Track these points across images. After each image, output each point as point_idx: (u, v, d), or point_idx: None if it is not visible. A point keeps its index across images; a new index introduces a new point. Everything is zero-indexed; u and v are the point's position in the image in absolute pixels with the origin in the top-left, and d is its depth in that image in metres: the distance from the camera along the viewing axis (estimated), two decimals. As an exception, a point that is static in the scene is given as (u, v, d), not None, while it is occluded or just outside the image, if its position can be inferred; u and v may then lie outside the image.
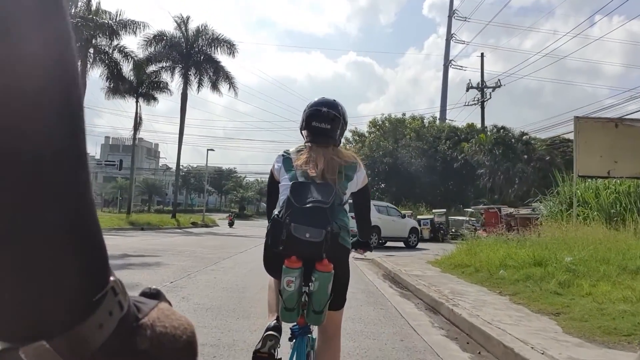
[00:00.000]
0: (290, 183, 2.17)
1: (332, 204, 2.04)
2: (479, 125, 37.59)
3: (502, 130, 31.67)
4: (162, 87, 36.40)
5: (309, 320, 2.11)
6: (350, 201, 2.47)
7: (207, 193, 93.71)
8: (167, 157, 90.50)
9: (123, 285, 0.39)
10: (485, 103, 39.02)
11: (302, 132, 2.43)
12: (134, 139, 34.83)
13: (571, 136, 12.84)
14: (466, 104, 40.47)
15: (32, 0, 0.32)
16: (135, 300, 0.41)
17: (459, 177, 33.67)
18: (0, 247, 0.31)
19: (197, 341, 0.43)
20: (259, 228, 42.05)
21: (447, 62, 54.03)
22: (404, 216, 20.54)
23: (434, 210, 27.95)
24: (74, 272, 0.35)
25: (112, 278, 0.38)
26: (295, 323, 2.18)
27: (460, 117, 56.98)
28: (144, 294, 0.45)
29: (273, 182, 2.44)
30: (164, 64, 35.94)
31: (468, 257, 10.23)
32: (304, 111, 2.42)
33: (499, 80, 38.08)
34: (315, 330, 2.33)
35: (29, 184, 0.31)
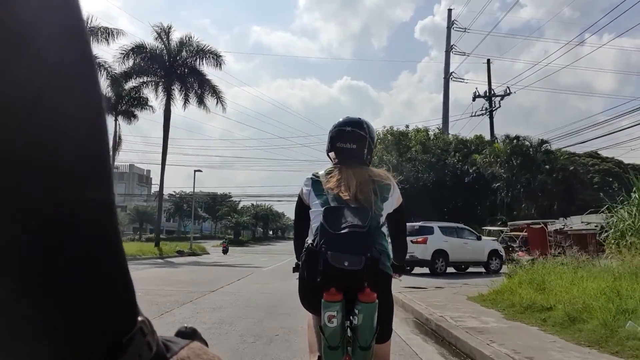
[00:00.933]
0: (323, 209, 2.04)
1: (370, 227, 1.92)
2: (487, 137, 34.58)
3: (516, 140, 28.66)
4: (143, 104, 33.60)
5: (356, 358, 1.91)
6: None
7: (195, 218, 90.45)
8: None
9: (151, 324, 0.37)
10: (494, 113, 36.15)
11: (329, 154, 2.37)
12: (113, 159, 31.56)
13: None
14: (473, 114, 37.61)
15: (69, 68, 0.31)
16: (165, 340, 0.40)
17: (471, 193, 30.48)
18: (27, 290, 0.29)
19: None
20: (253, 255, 38.95)
21: (447, 75, 51.40)
22: (479, 237, 17.28)
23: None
24: (102, 312, 0.33)
25: (140, 318, 0.36)
26: None
27: (464, 131, 53.95)
28: (179, 333, 0.43)
29: (302, 207, 2.31)
30: (145, 78, 33.10)
31: (536, 292, 6.95)
32: (329, 132, 2.33)
33: (507, 88, 35.26)
34: None
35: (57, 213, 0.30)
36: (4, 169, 0.28)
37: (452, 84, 45.11)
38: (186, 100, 34.33)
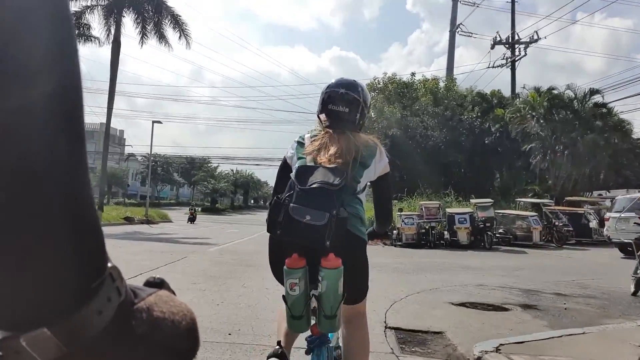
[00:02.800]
0: (298, 166, 1.99)
1: (342, 188, 1.79)
2: (507, 94, 28.43)
3: (552, 92, 22.62)
4: (85, 34, 26.80)
5: (322, 328, 1.81)
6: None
7: (170, 183, 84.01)
8: (136, 143, 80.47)
9: (120, 272, 0.39)
10: (516, 63, 29.96)
11: (319, 116, 2.19)
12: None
13: None
14: (491, 65, 31.36)
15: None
16: (134, 287, 0.41)
17: (492, 156, 24.60)
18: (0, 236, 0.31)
19: (198, 328, 0.43)
20: (222, 225, 32.94)
21: (454, 28, 44.67)
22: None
23: (474, 201, 18.77)
24: (73, 259, 0.35)
25: (109, 264, 0.38)
26: (309, 333, 1.90)
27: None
28: (148, 283, 0.44)
29: (284, 169, 2.20)
30: (90, 1, 26.37)
31: None
32: (321, 93, 2.18)
33: (535, 32, 28.94)
34: (334, 339, 2.19)
35: (26, 172, 0.31)
36: None
37: (462, 36, 38.60)
38: (143, 35, 27.73)
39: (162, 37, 27.85)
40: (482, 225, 16.94)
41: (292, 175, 1.88)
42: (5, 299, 0.33)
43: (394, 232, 18.35)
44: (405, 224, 17.47)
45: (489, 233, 16.67)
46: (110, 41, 26.74)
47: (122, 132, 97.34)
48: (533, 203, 19.78)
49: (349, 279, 1.77)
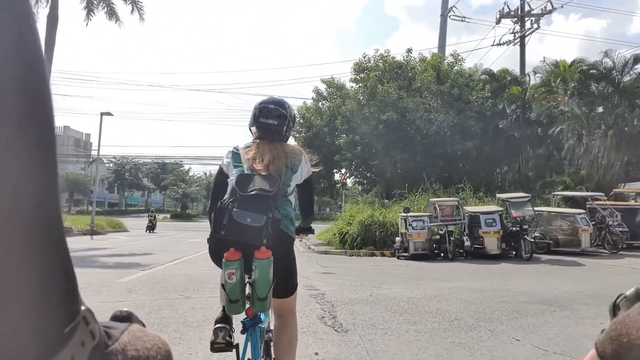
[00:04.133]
0: (237, 174, 2.25)
1: (276, 193, 2.14)
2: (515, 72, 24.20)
3: (583, 62, 18.45)
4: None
5: (255, 309, 2.12)
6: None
7: (139, 189, 78.24)
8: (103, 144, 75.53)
9: (93, 314, 0.38)
10: (526, 38, 25.84)
11: (251, 128, 2.53)
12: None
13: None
14: (496, 42, 27.19)
15: None
16: (105, 326, 0.40)
17: (507, 143, 20.31)
18: None
19: (173, 358, 0.43)
20: (184, 233, 28.20)
21: (445, 11, 40.50)
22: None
23: (503, 196, 14.30)
24: (45, 303, 0.33)
25: (82, 307, 0.37)
26: (244, 316, 2.21)
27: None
28: (115, 317, 0.44)
29: (221, 176, 2.46)
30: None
31: None
32: (253, 108, 2.50)
33: (549, 2, 24.86)
34: (265, 322, 2.44)
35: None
36: None
37: (454, 20, 34.41)
38: (90, 10, 22.91)
39: (112, 15, 23.10)
40: (516, 228, 12.58)
41: (233, 182, 2.21)
42: None
43: (397, 239, 13.92)
44: (413, 228, 12.96)
45: (527, 238, 12.25)
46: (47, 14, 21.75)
47: (88, 135, 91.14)
48: (572, 198, 15.44)
49: (280, 272, 2.10)
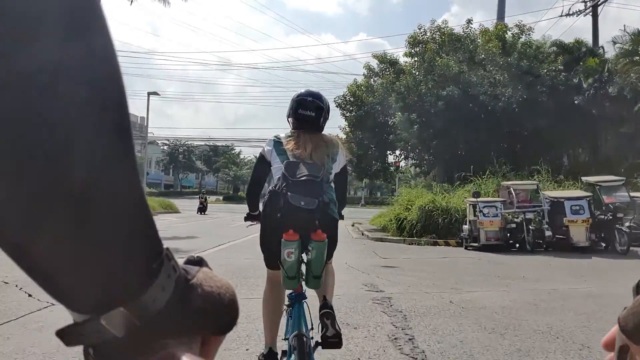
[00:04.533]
0: (284, 162, 2.43)
1: (322, 179, 2.33)
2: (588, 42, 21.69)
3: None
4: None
5: (310, 285, 2.37)
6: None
7: (193, 172, 79.27)
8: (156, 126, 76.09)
9: (171, 251, 0.43)
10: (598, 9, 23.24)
11: (289, 119, 2.73)
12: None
13: None
14: (565, 13, 24.69)
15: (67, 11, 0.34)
16: (182, 266, 0.46)
17: (584, 121, 18.16)
18: (80, 230, 0.35)
19: (237, 299, 0.48)
20: (235, 215, 27.65)
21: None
22: None
23: (592, 179, 12.50)
24: (139, 246, 0.39)
25: (164, 246, 0.43)
26: (292, 291, 2.48)
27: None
28: (189, 261, 0.49)
29: (263, 163, 2.62)
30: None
31: None
32: (291, 100, 2.70)
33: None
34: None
35: (94, 172, 0.35)
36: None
37: None
38: None
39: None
40: (608, 217, 10.85)
41: (282, 169, 2.37)
42: (88, 286, 0.37)
43: (464, 227, 12.48)
44: (484, 215, 11.45)
45: (622, 228, 10.51)
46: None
47: (142, 118, 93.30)
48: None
49: (328, 249, 2.33)
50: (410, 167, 28.87)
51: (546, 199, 11.76)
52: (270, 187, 2.39)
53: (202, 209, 30.05)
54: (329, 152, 2.57)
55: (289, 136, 2.60)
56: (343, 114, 22.91)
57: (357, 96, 21.85)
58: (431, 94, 18.88)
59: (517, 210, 11.55)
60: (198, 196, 31.99)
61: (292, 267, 2.26)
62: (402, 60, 23.35)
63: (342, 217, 2.75)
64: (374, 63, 23.52)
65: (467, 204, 12.60)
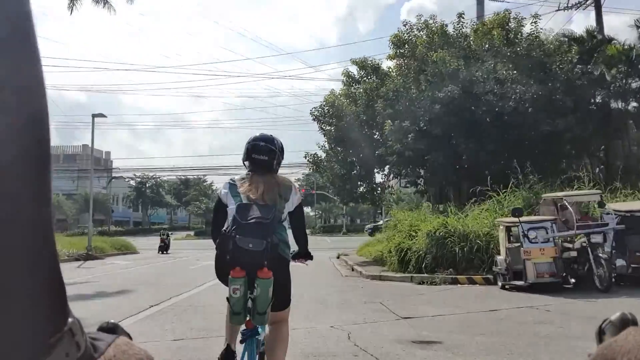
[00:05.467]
0: (236, 205, 2.61)
1: (272, 220, 2.48)
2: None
3: None
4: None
5: (255, 321, 2.48)
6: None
7: (161, 206, 74.69)
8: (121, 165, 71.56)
9: (81, 325, 0.38)
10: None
11: (245, 162, 2.92)
12: None
13: None
14: (562, 7, 22.23)
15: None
16: (91, 338, 0.40)
17: (609, 119, 15.21)
18: None
19: None
20: (201, 253, 23.99)
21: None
22: None
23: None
24: (32, 314, 0.34)
25: (70, 319, 0.37)
26: (244, 327, 2.56)
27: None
28: (101, 328, 0.44)
29: (220, 205, 2.88)
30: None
31: None
32: (246, 144, 2.88)
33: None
34: (262, 335, 2.73)
35: None
36: None
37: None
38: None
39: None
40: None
41: (234, 211, 2.55)
42: None
43: (497, 259, 9.17)
44: (531, 241, 8.14)
45: None
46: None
47: (108, 153, 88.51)
48: None
49: (277, 289, 2.43)
50: (405, 186, 25.62)
51: (611, 215, 8.51)
52: (223, 228, 2.57)
53: (163, 248, 26.38)
54: (281, 193, 2.73)
55: (243, 179, 2.78)
56: (321, 128, 19.60)
57: (336, 107, 18.65)
58: (425, 97, 15.77)
59: (579, 231, 8.25)
60: (159, 233, 28.13)
61: (237, 303, 2.40)
62: (386, 65, 20.32)
63: (310, 256, 3.04)
64: (353, 69, 20.46)
65: (500, 227, 9.27)
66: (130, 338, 0.44)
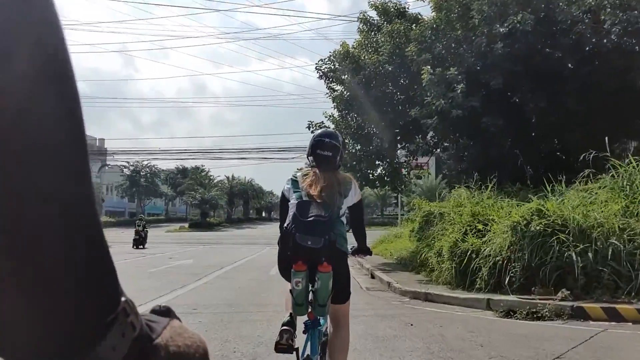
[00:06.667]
0: (296, 202, 2.69)
1: (330, 217, 2.57)
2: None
3: None
4: None
5: (316, 313, 2.58)
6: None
7: (157, 196, 70.06)
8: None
9: (134, 306, 0.39)
10: None
11: (309, 157, 3.00)
12: None
13: None
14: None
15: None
16: (147, 320, 0.41)
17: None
18: (16, 273, 0.31)
19: (209, 358, 0.44)
20: (183, 249, 19.59)
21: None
22: None
23: None
24: (87, 296, 0.35)
25: (123, 299, 0.38)
26: (307, 318, 2.64)
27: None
28: (154, 311, 0.45)
29: (284, 201, 2.94)
30: None
31: None
32: (310, 140, 2.98)
33: None
34: (324, 326, 2.83)
35: (43, 209, 0.31)
36: None
37: None
38: None
39: None
40: None
41: (294, 209, 2.62)
42: (20, 340, 0.32)
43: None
44: None
45: None
46: None
47: (102, 140, 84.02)
48: None
49: (336, 283, 2.54)
50: (420, 172, 20.93)
51: None
52: (285, 225, 2.64)
53: (138, 242, 21.86)
54: (340, 190, 2.79)
55: (305, 174, 2.87)
56: (330, 88, 14.97)
57: (352, 57, 13.97)
58: (478, 35, 11.10)
59: None
60: (135, 224, 23.56)
61: (300, 295, 2.51)
62: (413, 8, 15.53)
63: (369, 252, 3.17)
64: (373, 14, 15.72)
65: None
66: (181, 321, 0.44)
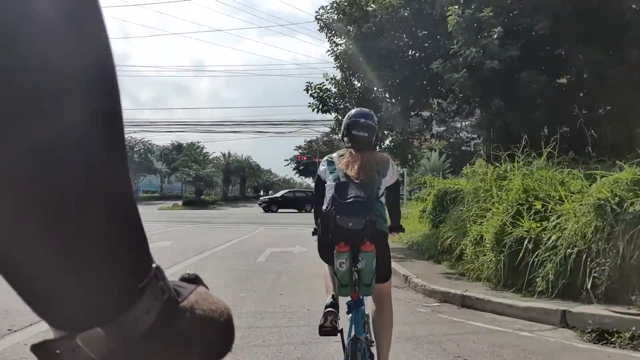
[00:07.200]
0: (334, 183, 2.64)
1: (369, 197, 2.53)
2: None
3: None
4: None
5: (361, 293, 2.54)
6: None
7: (152, 173, 67.90)
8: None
9: (163, 271, 0.41)
10: None
11: (344, 138, 2.92)
12: None
13: None
14: None
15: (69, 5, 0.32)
16: (175, 285, 0.44)
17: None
18: (59, 241, 0.33)
19: (233, 324, 0.46)
20: (168, 229, 17.56)
21: None
22: None
23: None
24: (124, 261, 0.37)
25: (154, 265, 0.41)
26: (349, 298, 2.58)
27: None
28: (183, 279, 0.47)
29: (320, 182, 2.87)
30: None
31: None
32: (345, 120, 2.93)
33: None
34: (368, 305, 2.76)
35: (83, 179, 0.33)
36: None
37: None
38: None
39: None
40: None
41: (332, 191, 2.59)
42: (63, 301, 0.35)
43: None
44: None
45: None
46: None
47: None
48: None
49: (378, 262, 2.48)
50: (467, 127, 18.54)
51: None
52: (323, 208, 2.61)
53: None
54: (379, 169, 2.72)
55: (341, 155, 2.80)
56: (332, 42, 12.70)
57: (359, 3, 11.72)
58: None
59: None
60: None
61: (344, 276, 2.47)
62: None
63: (402, 229, 3.11)
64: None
65: None
66: (208, 288, 0.47)
